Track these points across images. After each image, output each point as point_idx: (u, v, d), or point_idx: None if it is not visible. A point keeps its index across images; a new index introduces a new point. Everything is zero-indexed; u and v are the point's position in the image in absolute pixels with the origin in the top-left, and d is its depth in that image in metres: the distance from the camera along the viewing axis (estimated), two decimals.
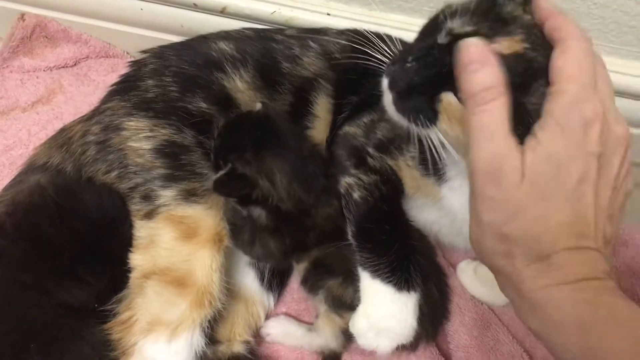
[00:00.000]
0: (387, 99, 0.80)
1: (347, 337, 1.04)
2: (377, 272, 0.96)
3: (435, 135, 0.75)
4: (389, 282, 0.95)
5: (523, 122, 0.67)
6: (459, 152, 0.76)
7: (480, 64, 0.67)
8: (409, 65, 0.78)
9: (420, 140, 0.79)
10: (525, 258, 0.66)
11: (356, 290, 1.00)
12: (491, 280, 1.05)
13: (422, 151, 0.93)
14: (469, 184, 0.70)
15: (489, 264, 0.72)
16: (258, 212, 1.00)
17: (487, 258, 0.71)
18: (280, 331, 1.12)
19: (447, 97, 0.73)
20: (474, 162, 0.67)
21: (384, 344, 0.96)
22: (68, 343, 0.87)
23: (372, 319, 0.96)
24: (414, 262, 0.98)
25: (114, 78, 1.32)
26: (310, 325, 1.11)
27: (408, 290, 0.97)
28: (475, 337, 1.07)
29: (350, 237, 1.02)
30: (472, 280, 1.15)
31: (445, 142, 0.75)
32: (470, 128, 0.67)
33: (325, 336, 1.05)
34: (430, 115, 0.75)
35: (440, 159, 0.79)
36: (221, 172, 0.97)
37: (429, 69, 0.75)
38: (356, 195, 1.03)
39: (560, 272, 0.64)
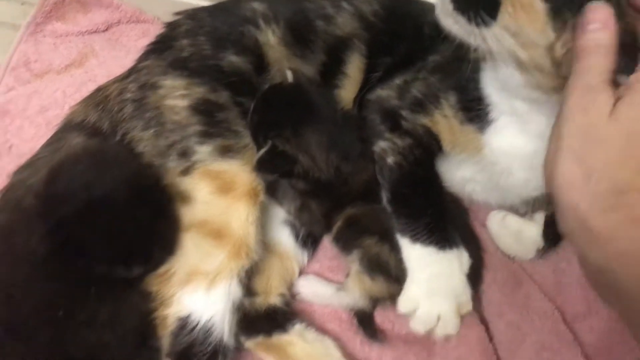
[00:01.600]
0: (444, 4, 0.80)
1: (375, 302, 1.06)
2: (416, 236, 0.98)
3: (496, 35, 0.76)
4: (430, 243, 0.97)
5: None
6: (518, 54, 0.77)
7: (603, 25, 0.71)
8: None
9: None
10: (597, 189, 0.67)
11: (393, 248, 1.02)
12: (518, 231, 1.11)
13: (464, 92, 0.95)
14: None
15: (557, 192, 0.72)
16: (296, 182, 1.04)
17: (556, 186, 0.72)
18: (310, 291, 1.13)
19: None
20: (569, 91, 0.72)
21: (443, 306, 0.98)
22: (121, 292, 0.90)
23: (422, 283, 0.98)
24: (450, 221, 1.00)
25: (145, 43, 1.33)
26: (340, 284, 1.13)
27: (450, 248, 0.98)
28: (507, 295, 1.08)
29: (385, 203, 1.04)
30: (499, 229, 1.15)
31: (506, 44, 0.76)
32: (573, 70, 0.73)
33: (354, 296, 1.06)
34: (492, 9, 0.76)
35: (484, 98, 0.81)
36: (262, 151, 1.00)
37: None
38: (390, 160, 1.04)
39: (631, 209, 0.66)
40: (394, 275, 1.02)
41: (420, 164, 1.03)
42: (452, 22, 0.81)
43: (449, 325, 0.99)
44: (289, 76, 1.08)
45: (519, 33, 0.77)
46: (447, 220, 1.00)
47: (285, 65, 1.12)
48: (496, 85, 0.94)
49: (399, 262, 1.01)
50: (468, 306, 1.01)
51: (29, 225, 0.87)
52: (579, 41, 0.73)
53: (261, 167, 0.99)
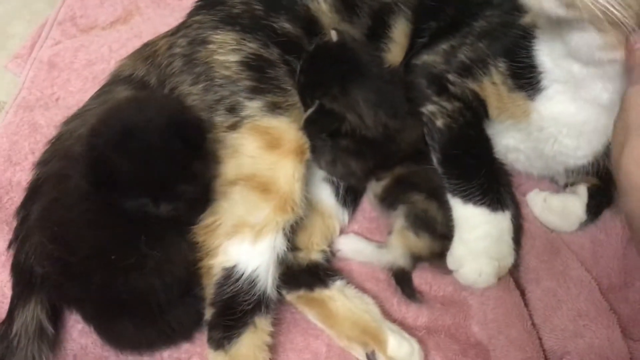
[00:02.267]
0: None
1: (415, 259, 1.07)
2: (468, 196, 0.99)
3: None
4: (482, 204, 0.99)
5: None
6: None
7: None
8: None
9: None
10: None
11: (440, 206, 1.03)
12: (560, 210, 1.09)
13: (515, 59, 0.95)
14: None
15: (624, 173, 0.71)
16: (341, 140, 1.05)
17: (624, 166, 0.71)
18: (350, 248, 1.15)
19: None
20: None
21: (486, 267, 0.99)
22: (170, 240, 0.93)
23: (470, 243, 0.99)
24: (503, 182, 1.01)
25: (189, 2, 1.34)
26: (379, 243, 1.14)
27: (502, 210, 1.00)
28: (545, 262, 1.08)
29: (435, 164, 1.05)
30: (542, 209, 1.15)
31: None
32: None
33: (395, 253, 1.08)
34: None
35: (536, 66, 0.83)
36: (310, 110, 1.01)
37: None
38: (439, 122, 1.05)
39: None
40: (439, 233, 1.04)
41: (470, 125, 1.04)
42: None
43: (487, 283, 1.01)
44: (333, 35, 1.08)
45: None
46: (499, 182, 1.01)
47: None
48: (558, 51, 0.93)
49: (446, 219, 1.03)
50: (508, 267, 1.03)
51: (77, 170, 0.89)
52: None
53: (309, 126, 1.01)
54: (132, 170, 0.87)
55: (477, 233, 0.99)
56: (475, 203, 0.99)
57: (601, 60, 0.85)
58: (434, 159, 1.05)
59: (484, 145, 1.04)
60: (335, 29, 1.10)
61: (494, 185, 1.00)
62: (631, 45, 0.76)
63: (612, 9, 0.73)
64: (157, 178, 0.89)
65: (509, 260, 1.02)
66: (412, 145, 1.09)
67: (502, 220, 1.00)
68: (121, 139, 0.87)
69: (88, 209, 0.89)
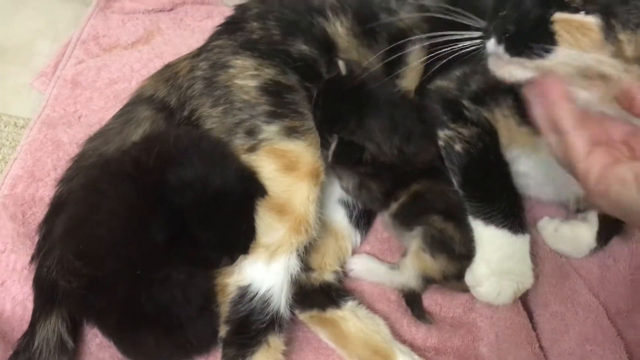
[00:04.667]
0: (496, 57, 0.85)
1: (427, 281, 1.09)
2: (490, 218, 1.01)
3: (563, 57, 0.79)
4: (504, 226, 1.00)
5: None
6: (590, 64, 0.80)
7: None
8: (505, 13, 0.84)
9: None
10: None
11: (458, 225, 1.05)
12: (571, 238, 1.12)
13: (521, 99, 0.97)
14: None
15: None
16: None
17: None
18: (363, 268, 1.17)
19: (559, 15, 0.79)
20: None
21: (507, 287, 1.01)
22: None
23: (492, 263, 1.01)
24: (523, 206, 1.03)
25: (209, 24, 1.39)
26: (391, 264, 1.17)
27: (523, 233, 1.01)
28: (554, 286, 1.10)
29: (457, 186, 1.07)
30: (552, 236, 1.18)
31: (571, 62, 0.79)
32: None
33: (408, 275, 1.09)
34: (549, 40, 0.79)
35: None
36: (334, 145, 1.04)
37: (528, 4, 0.82)
38: (458, 147, 1.06)
39: None
40: (457, 253, 1.06)
41: (489, 150, 1.05)
42: (512, 69, 0.84)
43: (504, 302, 1.03)
44: (342, 67, 1.11)
45: (577, 46, 0.79)
46: (520, 206, 1.03)
47: (354, 55, 1.16)
48: None
49: (464, 238, 1.05)
50: (527, 289, 1.05)
51: (120, 193, 0.92)
52: None
53: (337, 161, 1.05)
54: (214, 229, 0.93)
55: (500, 254, 1.01)
56: (497, 225, 1.00)
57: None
58: (455, 181, 1.07)
59: (504, 169, 1.05)
60: (342, 59, 1.13)
61: (515, 208, 1.02)
62: (631, 95, 0.75)
63: (584, 60, 0.78)
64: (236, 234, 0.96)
65: (529, 282, 1.04)
66: (427, 164, 1.11)
67: (523, 243, 1.02)
68: (204, 200, 0.92)
69: (119, 228, 0.91)
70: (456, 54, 1.15)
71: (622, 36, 0.79)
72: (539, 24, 0.80)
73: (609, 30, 0.79)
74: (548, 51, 0.79)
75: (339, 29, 1.16)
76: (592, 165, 0.71)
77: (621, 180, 0.68)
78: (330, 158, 1.04)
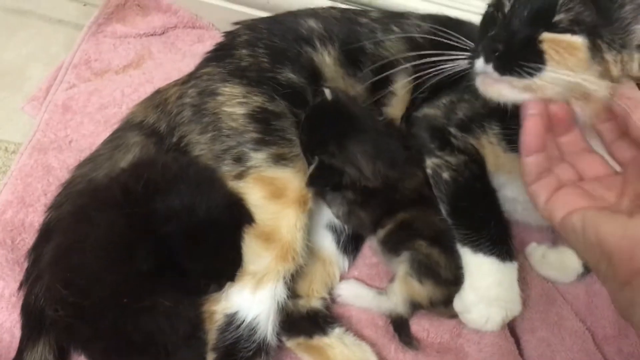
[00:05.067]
0: (484, 76, 0.86)
1: (415, 307, 1.09)
2: (479, 246, 1.01)
3: (551, 77, 0.80)
4: (492, 254, 1.00)
5: None
6: (580, 83, 0.81)
7: None
8: (494, 32, 0.86)
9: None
10: None
11: (443, 251, 1.06)
12: (559, 264, 1.12)
13: (507, 126, 0.98)
14: None
15: None
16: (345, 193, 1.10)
17: None
18: (351, 293, 1.18)
19: (547, 35, 0.81)
20: None
21: (495, 314, 1.01)
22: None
23: (481, 291, 1.01)
24: (511, 233, 1.03)
25: (200, 48, 1.40)
26: (379, 289, 1.17)
27: (511, 260, 1.02)
28: (541, 312, 1.11)
29: (444, 215, 1.07)
30: (540, 263, 1.19)
31: (559, 80, 0.80)
32: None
33: (395, 300, 1.10)
34: (537, 59, 0.81)
35: None
36: (312, 167, 1.05)
37: (516, 24, 0.84)
38: (446, 175, 1.07)
39: None
40: (443, 278, 1.06)
41: (476, 178, 1.06)
42: (501, 89, 0.85)
43: (492, 329, 1.03)
44: (327, 93, 1.12)
45: (565, 64, 0.81)
46: (507, 233, 1.03)
47: (340, 83, 1.17)
48: None
49: (449, 263, 1.06)
50: (515, 316, 1.04)
51: (107, 222, 0.93)
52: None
53: (312, 182, 1.05)
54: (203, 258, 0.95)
55: (488, 281, 1.01)
56: (485, 253, 1.01)
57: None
58: (443, 209, 1.07)
59: (492, 197, 1.06)
60: (328, 87, 1.14)
61: (503, 235, 1.02)
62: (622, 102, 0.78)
63: (571, 80, 0.80)
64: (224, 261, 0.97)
65: (517, 309, 1.04)
66: (414, 191, 1.12)
67: (512, 270, 1.02)
68: (191, 231, 0.93)
69: (106, 256, 0.92)
70: (444, 75, 1.18)
71: (608, 56, 0.82)
72: (528, 44, 0.82)
73: (595, 50, 0.81)
74: (537, 70, 0.80)
75: (326, 59, 1.18)
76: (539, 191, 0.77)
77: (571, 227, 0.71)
78: (306, 180, 1.04)
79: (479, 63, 0.85)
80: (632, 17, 0.83)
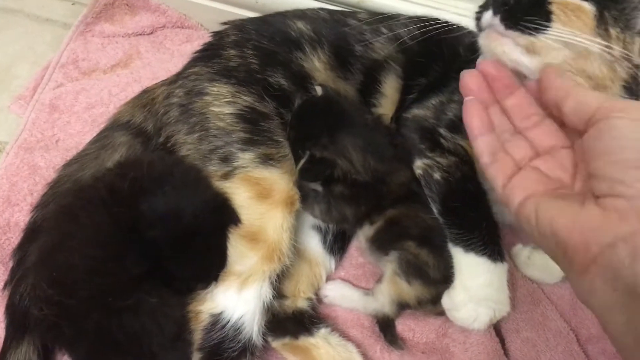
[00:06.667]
0: (490, 31, 0.87)
1: (402, 307, 1.10)
2: (470, 245, 1.01)
3: (556, 35, 0.81)
4: (483, 253, 1.01)
5: None
6: (584, 44, 0.81)
7: None
8: None
9: None
10: None
11: (432, 250, 1.06)
12: (544, 264, 1.13)
13: None
14: None
15: None
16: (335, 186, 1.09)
17: None
18: (338, 294, 1.18)
19: None
20: None
21: (484, 314, 1.02)
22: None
23: (471, 290, 1.02)
24: (500, 234, 1.04)
25: (188, 48, 1.40)
26: (366, 290, 1.17)
27: (501, 261, 1.02)
28: (525, 312, 1.12)
29: (436, 214, 1.07)
30: (525, 264, 1.20)
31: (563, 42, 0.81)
32: None
33: (382, 300, 1.10)
34: (545, 17, 0.82)
35: None
36: (303, 161, 1.05)
37: None
38: (437, 176, 1.07)
39: None
40: (432, 278, 1.06)
41: (468, 179, 1.06)
42: (504, 43, 0.85)
43: (479, 328, 1.04)
44: (319, 90, 1.13)
45: (571, 25, 0.82)
46: (498, 233, 1.04)
47: (331, 86, 1.17)
48: None
49: (439, 264, 1.06)
50: (503, 315, 1.05)
51: (94, 219, 0.93)
52: None
53: (304, 175, 1.05)
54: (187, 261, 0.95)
55: (479, 281, 1.01)
56: (477, 253, 1.01)
57: None
58: (434, 209, 1.07)
59: (483, 197, 1.06)
60: (319, 84, 1.15)
61: (494, 236, 1.03)
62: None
63: (575, 39, 0.81)
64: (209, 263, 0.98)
65: (506, 309, 1.04)
66: (402, 186, 1.13)
67: (502, 270, 1.03)
68: (176, 235, 0.93)
69: (92, 255, 0.91)
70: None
71: (613, 31, 0.83)
72: (537, 2, 0.83)
73: (601, 20, 0.83)
74: (542, 27, 0.82)
75: (316, 64, 1.18)
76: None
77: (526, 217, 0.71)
78: (296, 174, 1.05)
79: (487, 15, 0.87)
80: (638, 2, 0.86)
